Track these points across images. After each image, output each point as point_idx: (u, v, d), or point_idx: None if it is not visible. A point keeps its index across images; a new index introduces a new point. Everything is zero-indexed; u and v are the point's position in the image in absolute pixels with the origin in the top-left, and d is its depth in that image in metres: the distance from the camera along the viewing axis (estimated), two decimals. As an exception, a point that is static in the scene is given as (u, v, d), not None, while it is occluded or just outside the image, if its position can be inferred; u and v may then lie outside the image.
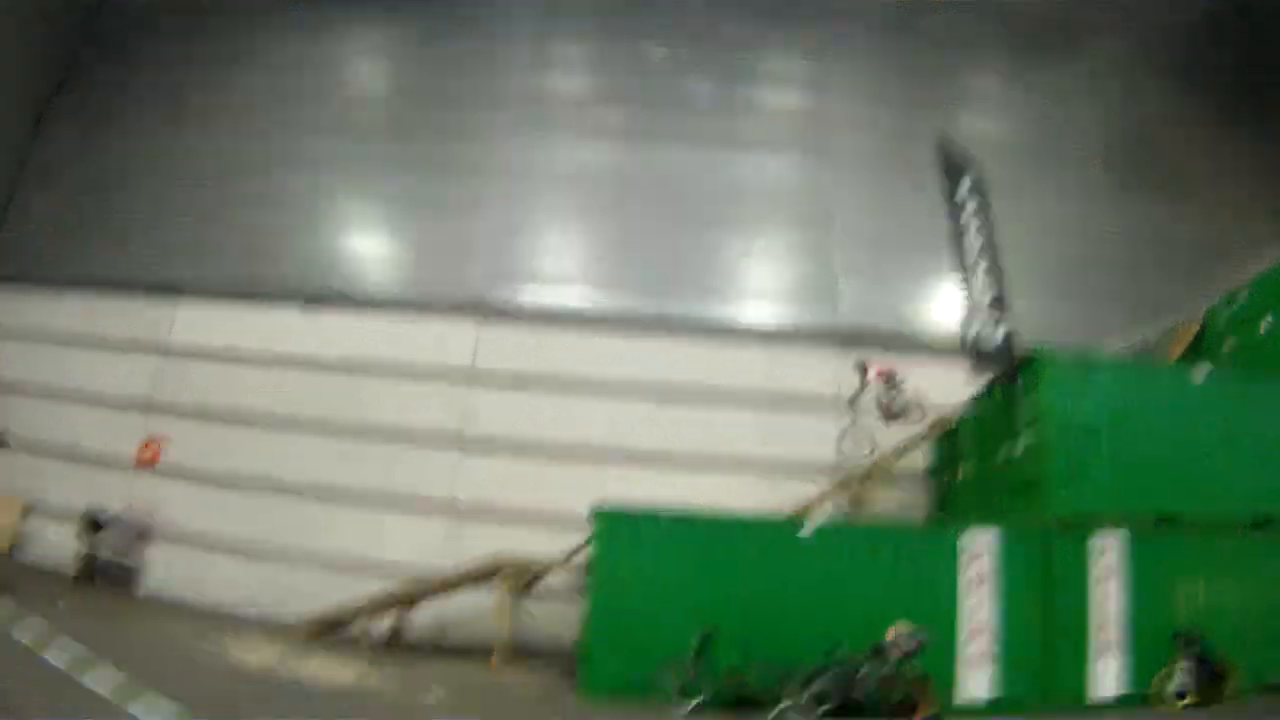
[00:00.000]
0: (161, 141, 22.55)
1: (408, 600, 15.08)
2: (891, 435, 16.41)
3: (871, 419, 16.57)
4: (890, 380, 16.30)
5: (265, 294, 19.78)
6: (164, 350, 20.14)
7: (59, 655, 6.31)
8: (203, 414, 19.20)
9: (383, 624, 15.15)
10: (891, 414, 16.33)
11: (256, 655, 12.40)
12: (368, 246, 20.71)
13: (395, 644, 14.90)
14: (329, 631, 14.94)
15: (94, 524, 18.27)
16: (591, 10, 22.12)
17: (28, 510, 18.78)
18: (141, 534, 18.43)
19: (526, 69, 21.56)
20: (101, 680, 5.95)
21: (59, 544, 18.05)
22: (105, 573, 17.89)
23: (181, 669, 10.27)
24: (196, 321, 20.11)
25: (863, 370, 16.29)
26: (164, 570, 17.77)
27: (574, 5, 22.23)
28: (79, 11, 25.14)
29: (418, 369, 18.41)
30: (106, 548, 17.89)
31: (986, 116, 21.43)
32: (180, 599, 17.24)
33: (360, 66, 23.17)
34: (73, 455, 19.77)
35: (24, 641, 6.10)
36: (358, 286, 19.67)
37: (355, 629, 15.04)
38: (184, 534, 18.32)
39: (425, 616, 15.59)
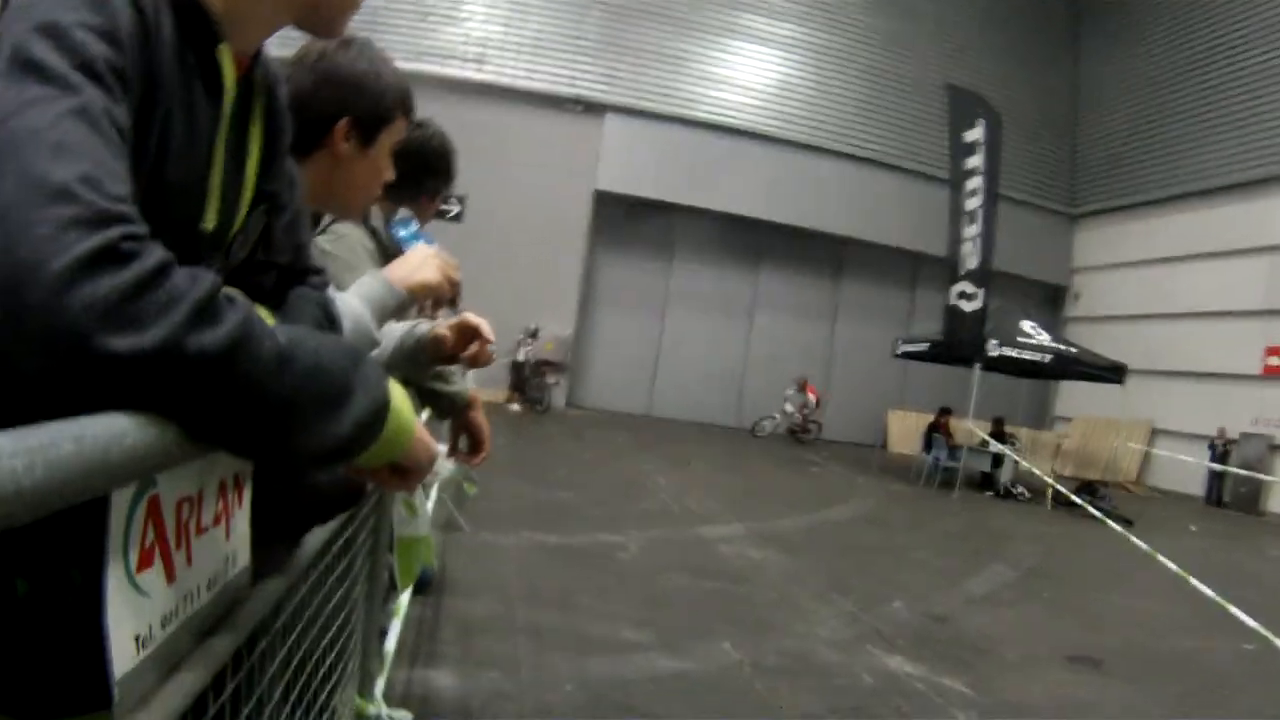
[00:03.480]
0: (1203, 36, 20.67)
1: None
2: None
3: None
4: None
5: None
6: (1273, 248, 18.46)
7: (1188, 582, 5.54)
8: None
9: None
10: None
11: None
12: None
13: None
14: None
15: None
16: None
17: (1154, 434, 19.01)
18: (1270, 447, 17.43)
19: None
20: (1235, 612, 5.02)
21: (1186, 467, 17.40)
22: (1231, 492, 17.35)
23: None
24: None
25: None
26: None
27: None
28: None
29: None
30: (1237, 464, 16.91)
31: None
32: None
33: None
34: (1194, 374, 19.40)
35: (1155, 564, 5.48)
36: None
37: None
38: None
39: None
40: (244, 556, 1.03)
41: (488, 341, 1.74)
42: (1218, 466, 16.44)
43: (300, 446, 0.80)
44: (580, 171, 19.61)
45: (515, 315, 17.57)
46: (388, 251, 2.16)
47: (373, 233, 2.18)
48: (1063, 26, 24.18)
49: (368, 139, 1.59)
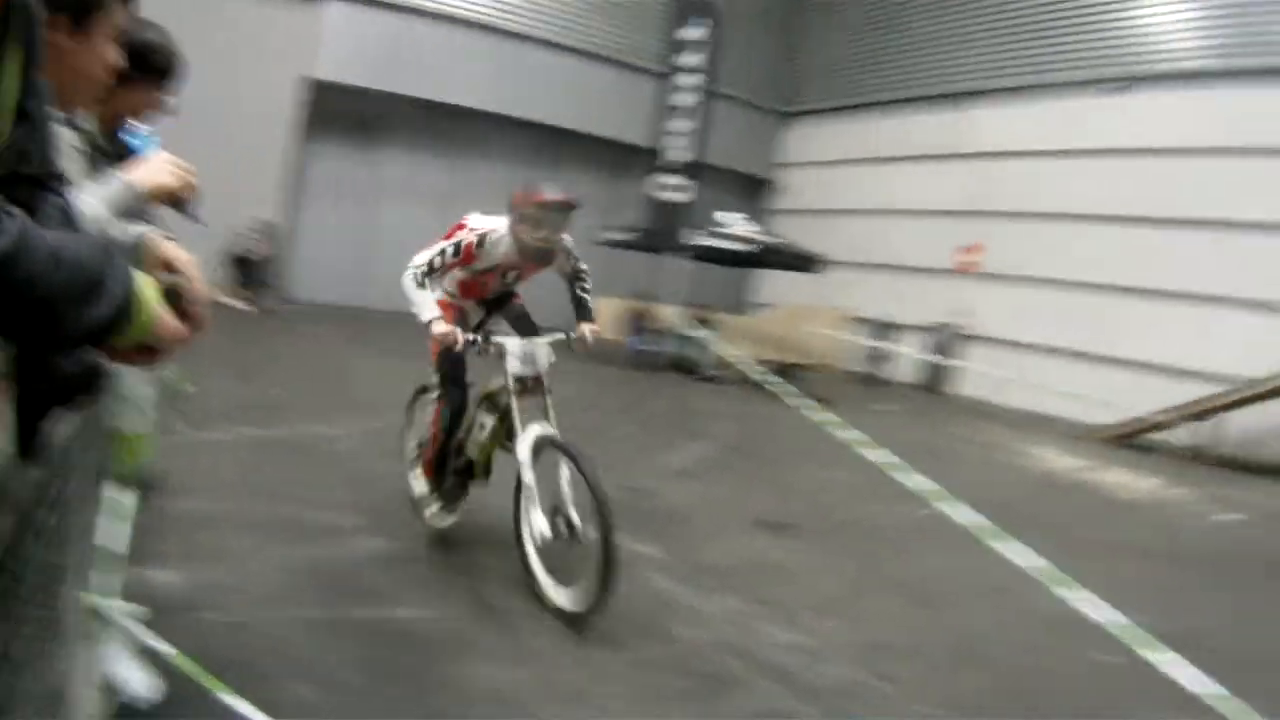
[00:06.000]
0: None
1: (1220, 408, 13.27)
2: None
3: None
4: None
5: (1059, 85, 18.25)
6: (970, 156, 19.65)
7: (875, 456, 6.09)
8: (1014, 216, 18.55)
9: (1193, 432, 13.54)
10: None
11: (1058, 462, 11.50)
12: (1158, 17, 17.14)
13: (1204, 456, 13.12)
14: (1134, 438, 13.80)
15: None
16: None
17: (848, 321, 18.91)
18: (959, 338, 18.64)
19: None
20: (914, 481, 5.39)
21: (872, 352, 19.12)
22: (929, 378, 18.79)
23: (982, 473, 9.89)
24: (995, 123, 19.31)
25: None
26: (977, 374, 17.73)
27: None
28: None
29: (1235, 148, 15.06)
30: (928, 351, 18.46)
31: None
32: (991, 402, 17.34)
33: None
34: (892, 266, 20.59)
35: (845, 440, 6.16)
36: (1156, 63, 16.82)
37: (1163, 437, 13.68)
38: (997, 337, 18.16)
39: (1243, 427, 13.32)
40: (5, 441, 1.17)
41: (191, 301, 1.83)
42: (910, 351, 18.29)
43: (70, 330, 0.98)
44: (296, 59, 18.35)
45: (237, 208, 16.18)
46: (100, 149, 2.15)
47: (78, 132, 2.16)
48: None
49: (81, 27, 1.54)
